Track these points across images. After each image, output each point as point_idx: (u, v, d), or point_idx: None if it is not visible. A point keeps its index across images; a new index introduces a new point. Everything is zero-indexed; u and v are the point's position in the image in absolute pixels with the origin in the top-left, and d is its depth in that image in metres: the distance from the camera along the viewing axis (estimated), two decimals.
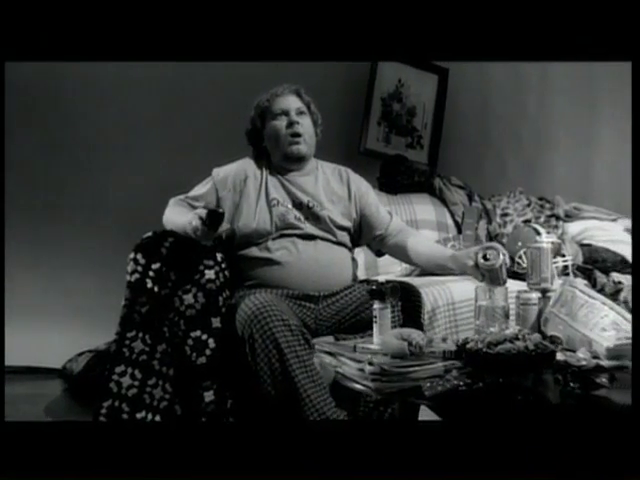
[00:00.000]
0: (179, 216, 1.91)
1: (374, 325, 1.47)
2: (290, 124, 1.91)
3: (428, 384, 1.13)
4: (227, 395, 1.78)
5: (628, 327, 1.31)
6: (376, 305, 1.47)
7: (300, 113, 1.94)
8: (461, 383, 1.13)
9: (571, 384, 1.06)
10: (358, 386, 1.23)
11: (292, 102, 1.95)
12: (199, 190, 2.02)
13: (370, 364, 1.21)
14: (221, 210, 1.82)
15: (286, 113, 1.93)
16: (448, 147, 3.35)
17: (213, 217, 1.75)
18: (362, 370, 1.22)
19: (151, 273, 1.81)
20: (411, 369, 1.19)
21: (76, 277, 2.84)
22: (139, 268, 1.82)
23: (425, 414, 1.68)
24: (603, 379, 1.08)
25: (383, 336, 1.38)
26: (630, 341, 1.24)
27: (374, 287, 1.49)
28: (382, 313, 1.45)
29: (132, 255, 1.82)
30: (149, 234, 1.93)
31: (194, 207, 1.97)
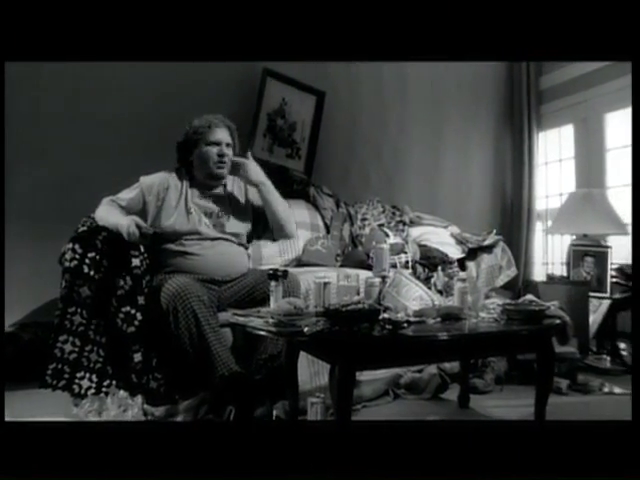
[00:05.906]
0: (112, 216, 2.32)
1: (271, 296, 2.02)
2: (220, 154, 2.43)
3: (306, 328, 1.68)
4: (152, 355, 2.19)
5: (427, 298, 2.12)
6: (272, 283, 2.03)
7: (228, 145, 2.45)
8: (326, 327, 1.70)
9: (387, 327, 1.80)
10: (263, 333, 1.82)
11: (225, 136, 2.45)
12: (128, 194, 2.40)
13: (272, 318, 1.81)
14: (152, 230, 2.28)
15: (218, 144, 2.43)
16: (321, 160, 3.82)
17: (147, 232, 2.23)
18: (266, 322, 1.82)
19: (87, 261, 2.18)
20: (296, 321, 1.75)
21: None
22: (77, 256, 2.18)
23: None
24: (406, 325, 1.85)
25: (277, 303, 1.95)
26: (426, 305, 2.18)
27: (271, 272, 2.05)
28: (277, 289, 2.04)
29: (70, 245, 2.21)
30: (84, 228, 2.30)
31: (123, 207, 2.38)
